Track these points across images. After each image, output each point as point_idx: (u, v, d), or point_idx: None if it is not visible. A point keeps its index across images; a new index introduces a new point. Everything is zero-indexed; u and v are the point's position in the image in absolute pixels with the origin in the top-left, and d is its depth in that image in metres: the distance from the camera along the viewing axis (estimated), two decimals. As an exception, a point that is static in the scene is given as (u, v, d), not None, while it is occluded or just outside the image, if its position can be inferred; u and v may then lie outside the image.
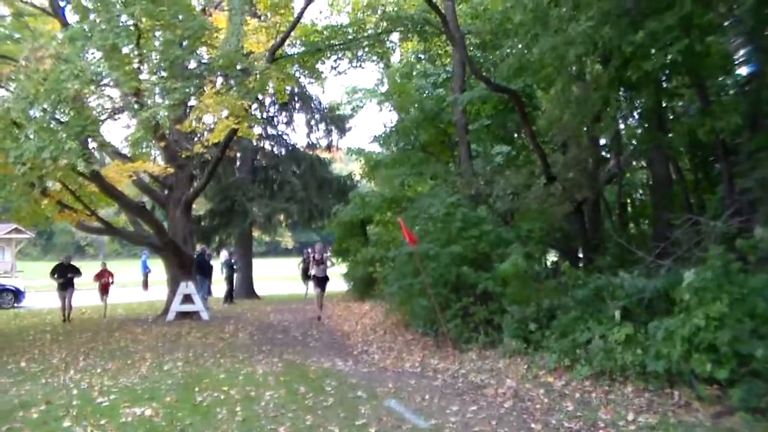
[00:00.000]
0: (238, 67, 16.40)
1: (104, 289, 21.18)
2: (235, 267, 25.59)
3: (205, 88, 16.21)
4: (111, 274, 21.66)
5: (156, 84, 13.59)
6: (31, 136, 12.26)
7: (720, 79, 12.17)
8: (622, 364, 8.04)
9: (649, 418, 6.74)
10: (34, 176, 13.38)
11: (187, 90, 14.25)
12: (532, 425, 6.90)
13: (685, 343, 7.03)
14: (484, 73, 15.67)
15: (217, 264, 25.14)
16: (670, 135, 12.68)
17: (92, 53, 13.32)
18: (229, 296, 24.62)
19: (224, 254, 26.74)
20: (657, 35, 9.24)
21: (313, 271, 17.67)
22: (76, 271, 19.79)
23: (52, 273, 19.57)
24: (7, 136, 12.44)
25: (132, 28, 13.56)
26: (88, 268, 22.24)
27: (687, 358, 7.04)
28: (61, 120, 13.25)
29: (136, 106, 15.25)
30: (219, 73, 15.92)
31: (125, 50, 13.84)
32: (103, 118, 14.83)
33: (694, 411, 6.87)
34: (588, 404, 7.54)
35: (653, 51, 9.67)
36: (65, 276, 19.29)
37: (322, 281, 17.85)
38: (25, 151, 11.94)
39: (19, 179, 13.52)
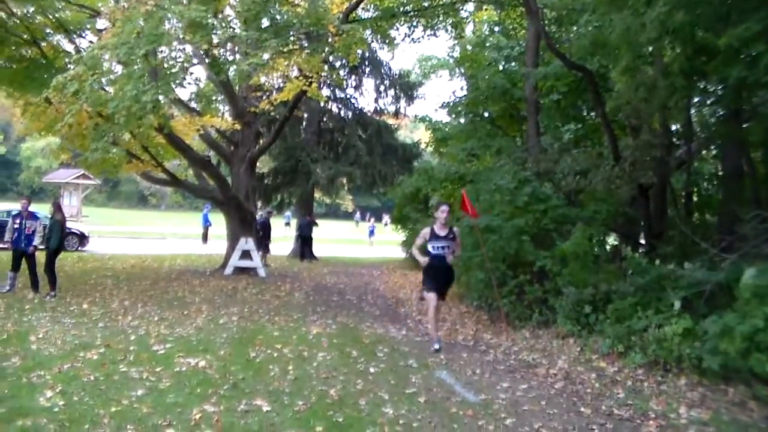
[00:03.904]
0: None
1: None
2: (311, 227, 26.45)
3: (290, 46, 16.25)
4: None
5: (246, 38, 13.61)
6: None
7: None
8: (677, 356, 7.95)
9: (701, 413, 6.65)
10: (130, 126, 13.64)
11: (279, 47, 14.28)
12: (582, 409, 6.89)
13: (745, 340, 6.89)
14: (558, 48, 15.43)
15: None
16: (745, 126, 12.33)
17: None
18: (301, 253, 26.03)
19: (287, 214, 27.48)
20: (742, 42, 8.87)
21: None
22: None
23: None
24: (95, 86, 12.66)
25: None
26: (148, 218, 22.47)
27: (746, 355, 6.92)
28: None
29: (207, 60, 15.45)
30: (296, 32, 15.90)
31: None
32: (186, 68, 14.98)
33: (748, 410, 6.77)
34: (639, 393, 7.48)
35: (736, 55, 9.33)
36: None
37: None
38: (124, 97, 12.16)
39: (104, 130, 13.84)
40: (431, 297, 9.83)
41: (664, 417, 6.60)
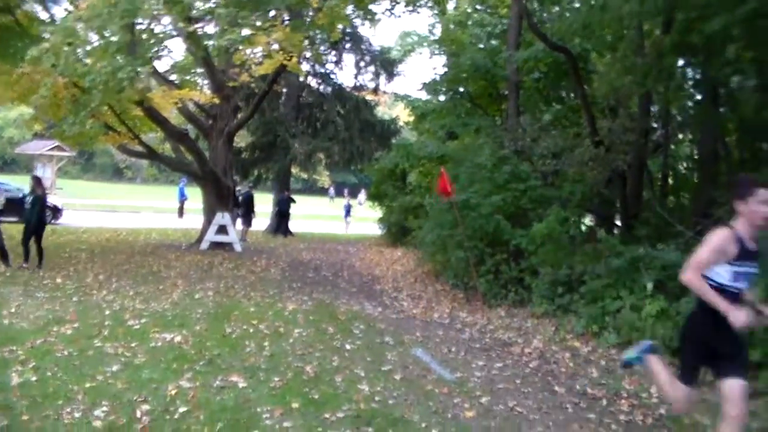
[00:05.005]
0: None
1: None
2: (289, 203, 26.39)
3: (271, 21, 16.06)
4: None
5: (226, 14, 13.44)
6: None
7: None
8: (651, 336, 8.04)
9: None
10: (108, 100, 13.44)
11: (259, 23, 14.12)
12: (556, 388, 6.95)
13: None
14: (540, 28, 15.43)
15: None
16: (723, 110, 12.44)
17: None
18: (278, 229, 26.06)
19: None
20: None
21: None
22: None
23: None
24: (71, 58, 12.47)
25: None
26: (123, 192, 22.32)
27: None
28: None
29: (185, 34, 15.27)
30: (277, 8, 15.72)
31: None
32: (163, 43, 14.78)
33: (718, 390, 6.85)
34: (612, 373, 7.57)
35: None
36: None
37: None
38: (100, 72, 11.98)
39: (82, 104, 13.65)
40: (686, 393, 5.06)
41: (635, 396, 6.69)
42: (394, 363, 7.64)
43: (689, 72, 13.20)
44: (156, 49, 14.50)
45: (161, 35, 14.31)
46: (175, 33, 15.85)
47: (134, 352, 7.41)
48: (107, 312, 9.52)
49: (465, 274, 12.48)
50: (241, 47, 15.39)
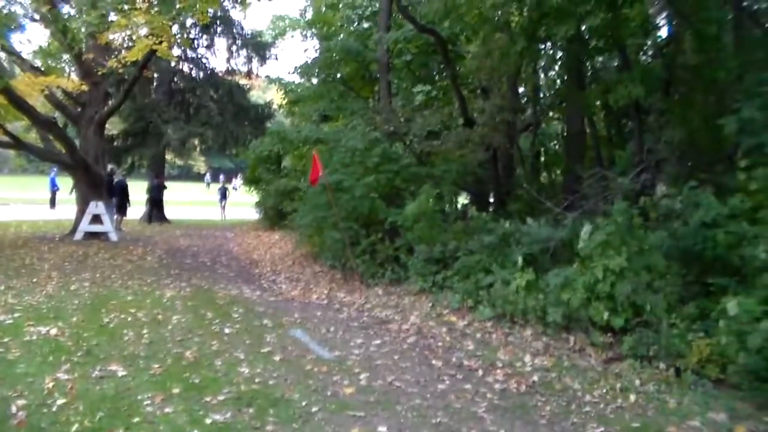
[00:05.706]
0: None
1: None
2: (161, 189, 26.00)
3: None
4: None
5: None
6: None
7: (639, 41, 12.45)
8: (523, 308, 8.32)
9: (544, 361, 7.02)
10: None
11: (118, 5, 13.63)
12: (433, 362, 7.10)
13: (586, 291, 7.33)
14: (410, 11, 15.61)
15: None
16: (588, 90, 12.94)
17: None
18: (150, 216, 25.53)
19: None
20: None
21: None
22: None
23: None
24: None
25: None
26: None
27: (586, 306, 7.36)
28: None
29: (49, 16, 14.63)
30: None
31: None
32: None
33: (587, 356, 7.20)
34: (488, 344, 7.79)
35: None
36: None
37: None
38: None
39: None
40: None
41: (510, 366, 6.91)
42: (274, 345, 7.63)
43: (558, 52, 13.70)
44: (12, 27, 13.79)
45: (16, 14, 13.61)
46: (36, 16, 15.16)
47: (7, 348, 7.08)
48: (-25, 308, 9.06)
49: (342, 255, 12.53)
50: (100, 31, 14.81)
